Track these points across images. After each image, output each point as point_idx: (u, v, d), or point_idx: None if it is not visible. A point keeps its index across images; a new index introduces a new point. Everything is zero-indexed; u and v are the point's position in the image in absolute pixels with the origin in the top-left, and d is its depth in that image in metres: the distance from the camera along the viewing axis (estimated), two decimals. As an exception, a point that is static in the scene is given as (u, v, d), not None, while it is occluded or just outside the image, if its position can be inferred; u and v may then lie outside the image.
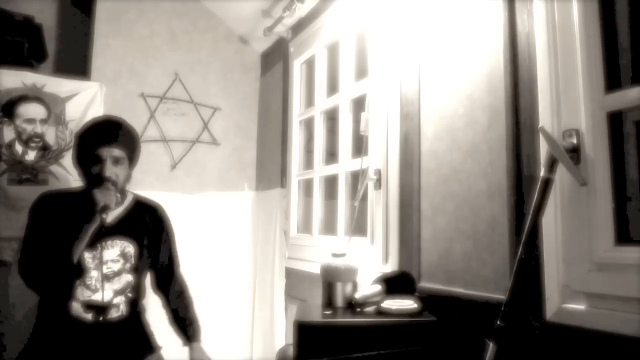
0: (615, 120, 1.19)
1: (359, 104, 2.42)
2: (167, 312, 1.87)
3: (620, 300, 1.09)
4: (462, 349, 1.48)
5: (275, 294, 2.69)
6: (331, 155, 2.83)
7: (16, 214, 2.35)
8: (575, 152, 1.20)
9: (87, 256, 1.59)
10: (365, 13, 2.33)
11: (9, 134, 2.51)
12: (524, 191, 1.38)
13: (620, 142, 1.20)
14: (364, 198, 2.14)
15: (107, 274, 1.61)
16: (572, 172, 1.18)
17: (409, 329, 1.48)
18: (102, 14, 3.24)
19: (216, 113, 3.57)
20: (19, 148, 2.53)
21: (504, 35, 1.48)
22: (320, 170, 2.82)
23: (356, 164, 2.26)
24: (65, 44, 3.13)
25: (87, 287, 1.59)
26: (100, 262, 1.60)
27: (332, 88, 2.78)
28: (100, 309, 1.60)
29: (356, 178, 2.29)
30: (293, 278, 2.67)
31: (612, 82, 1.20)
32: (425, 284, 1.74)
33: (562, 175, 1.24)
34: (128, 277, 1.67)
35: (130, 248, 1.68)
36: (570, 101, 1.24)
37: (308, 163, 3.05)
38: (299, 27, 3.09)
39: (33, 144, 2.55)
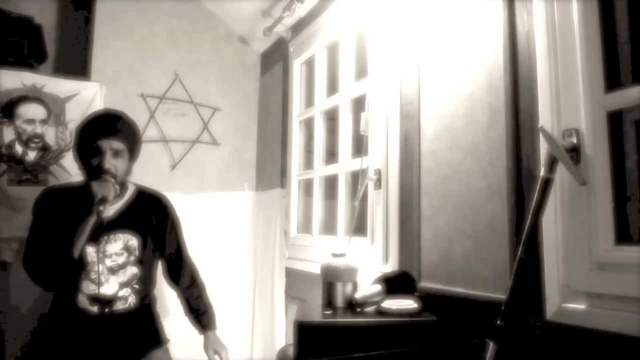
0: (615, 120, 1.19)
1: (359, 104, 2.42)
2: (181, 303, 1.89)
3: (620, 299, 1.09)
4: (462, 349, 1.48)
5: (275, 294, 2.69)
6: (331, 155, 2.83)
7: (16, 214, 2.35)
8: (575, 152, 1.20)
9: (90, 250, 1.60)
10: (365, 13, 2.33)
11: (9, 134, 2.51)
12: (524, 191, 1.38)
13: (620, 141, 1.20)
14: (364, 198, 2.14)
15: (111, 267, 1.62)
16: (572, 171, 1.18)
17: (409, 329, 1.48)
18: (102, 14, 3.24)
19: (216, 113, 3.57)
20: (19, 148, 2.53)
21: (503, 35, 1.48)
22: (320, 170, 2.82)
23: (356, 164, 2.26)
24: (65, 45, 3.12)
25: (92, 280, 1.61)
26: (104, 256, 1.60)
27: (332, 88, 2.78)
28: (105, 301, 1.61)
29: (356, 178, 2.29)
30: (293, 278, 2.67)
31: (612, 81, 1.20)
32: (425, 284, 1.74)
33: (562, 175, 1.24)
34: (133, 270, 1.68)
35: (134, 241, 1.69)
36: (570, 101, 1.24)
37: (308, 163, 3.05)
38: (298, 27, 3.09)
39: (33, 145, 2.55)
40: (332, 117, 2.84)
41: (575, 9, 1.25)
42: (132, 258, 1.68)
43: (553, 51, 1.29)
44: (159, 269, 1.88)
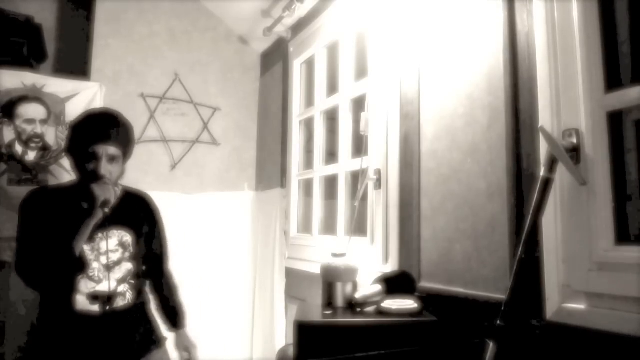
0: (615, 120, 1.19)
1: (359, 104, 2.42)
2: (155, 299, 1.90)
3: (620, 300, 1.09)
4: (462, 349, 1.48)
5: (275, 294, 2.69)
6: (331, 155, 2.83)
7: (16, 214, 2.35)
8: (575, 152, 1.20)
9: (86, 249, 1.60)
10: (365, 13, 2.33)
11: (9, 134, 2.51)
12: (524, 191, 1.38)
13: (620, 142, 1.20)
14: (364, 198, 2.14)
15: (107, 264, 1.63)
16: (572, 172, 1.18)
17: (409, 329, 1.48)
18: (102, 14, 3.24)
19: (216, 113, 3.57)
20: (19, 148, 2.53)
21: (503, 35, 1.48)
22: (320, 170, 2.82)
23: (356, 164, 2.26)
24: (65, 44, 3.13)
25: (90, 278, 1.61)
26: (99, 253, 1.62)
27: (332, 88, 2.78)
28: (106, 298, 1.61)
29: (356, 178, 2.29)
30: (293, 278, 2.67)
31: (612, 81, 1.20)
32: (425, 284, 1.74)
33: (562, 175, 1.24)
34: (128, 265, 1.69)
35: (128, 237, 1.71)
36: (570, 101, 1.24)
37: (308, 163, 3.05)
38: (298, 27, 3.09)
39: (33, 145, 2.55)
40: (332, 117, 2.84)
41: (575, 9, 1.25)
42: (127, 254, 1.69)
43: (553, 51, 1.29)
44: None
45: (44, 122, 2.59)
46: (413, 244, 1.82)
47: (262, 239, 2.97)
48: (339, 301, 1.70)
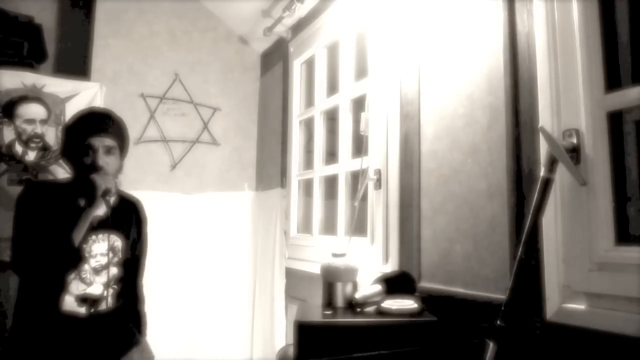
0: (615, 120, 1.19)
1: (359, 104, 2.42)
2: (123, 303, 1.81)
3: (621, 300, 1.09)
4: (462, 349, 1.48)
5: (275, 294, 2.69)
6: (331, 155, 2.83)
7: (16, 214, 2.35)
8: (575, 152, 1.20)
9: (83, 247, 1.60)
10: (365, 13, 2.33)
11: (9, 134, 2.51)
12: (524, 191, 1.38)
13: (620, 142, 1.20)
14: (364, 198, 2.13)
15: (95, 267, 1.62)
16: (572, 172, 1.18)
17: (409, 329, 1.48)
18: (102, 14, 3.24)
19: (216, 113, 3.57)
20: (19, 148, 2.53)
21: (503, 35, 1.48)
22: (320, 170, 2.82)
23: (356, 164, 2.26)
24: (65, 44, 3.13)
25: (82, 280, 1.60)
26: (89, 256, 1.61)
27: (332, 88, 2.78)
28: (93, 301, 1.61)
29: (356, 178, 2.29)
30: (293, 278, 2.67)
31: (612, 81, 1.20)
32: (425, 284, 1.74)
33: (562, 175, 1.24)
34: (114, 270, 1.68)
35: (119, 242, 1.70)
36: (570, 101, 1.24)
37: (308, 163, 3.05)
38: (298, 27, 3.09)
39: (33, 145, 2.55)
40: (332, 117, 2.84)
41: (575, 9, 1.25)
42: (115, 259, 1.68)
43: (553, 51, 1.29)
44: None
45: (44, 122, 2.59)
46: (413, 244, 1.82)
47: (262, 239, 2.97)
48: (339, 301, 1.70)
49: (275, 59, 3.50)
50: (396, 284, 1.70)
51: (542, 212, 1.21)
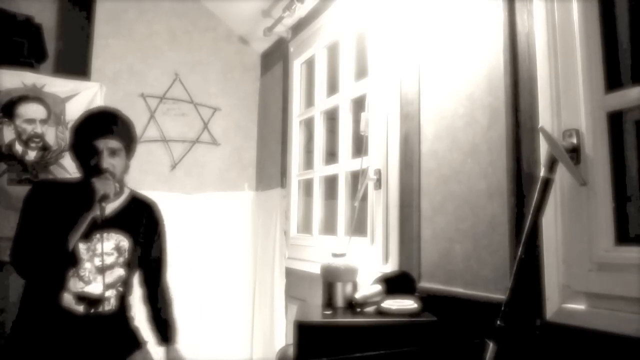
0: (615, 120, 1.19)
1: (359, 104, 2.42)
2: (148, 310, 1.85)
3: (620, 300, 1.09)
4: (462, 349, 1.48)
5: (275, 294, 2.69)
6: (331, 155, 2.83)
7: (16, 214, 2.34)
8: (575, 152, 1.20)
9: (82, 247, 1.60)
10: (365, 13, 2.33)
11: (9, 134, 2.51)
12: (524, 191, 1.38)
13: (620, 142, 1.20)
14: (364, 198, 2.14)
15: (99, 266, 1.62)
16: (572, 172, 1.18)
17: (409, 329, 1.48)
18: (102, 14, 3.24)
19: (216, 113, 3.57)
20: (19, 148, 2.53)
21: (504, 35, 1.48)
22: (320, 170, 2.82)
23: (356, 164, 2.26)
24: (65, 44, 3.12)
25: (81, 278, 1.60)
26: (94, 254, 1.60)
27: (332, 88, 2.78)
28: (92, 301, 1.60)
29: (356, 178, 2.29)
30: (293, 278, 2.67)
31: (612, 82, 1.20)
32: (425, 284, 1.74)
33: (562, 175, 1.24)
34: (120, 271, 1.68)
35: (125, 242, 1.69)
36: (570, 101, 1.24)
37: (308, 163, 3.05)
38: (299, 27, 3.09)
39: (33, 144, 2.55)
40: (332, 117, 2.84)
41: (575, 9, 1.24)
42: (121, 259, 1.68)
43: (553, 51, 1.29)
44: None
45: (44, 121, 2.59)
46: (413, 244, 1.82)
47: (262, 239, 2.97)
48: (339, 301, 1.70)
49: (276, 59, 3.50)
50: (396, 284, 1.70)
51: (542, 212, 1.21)
